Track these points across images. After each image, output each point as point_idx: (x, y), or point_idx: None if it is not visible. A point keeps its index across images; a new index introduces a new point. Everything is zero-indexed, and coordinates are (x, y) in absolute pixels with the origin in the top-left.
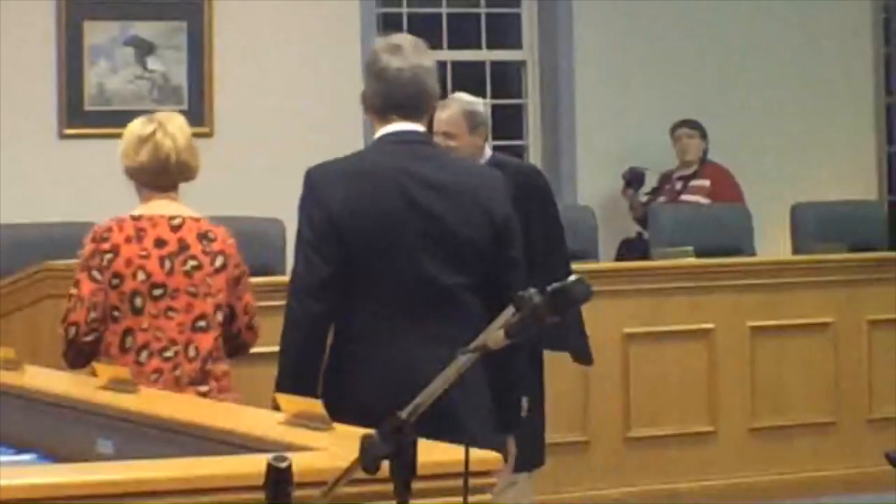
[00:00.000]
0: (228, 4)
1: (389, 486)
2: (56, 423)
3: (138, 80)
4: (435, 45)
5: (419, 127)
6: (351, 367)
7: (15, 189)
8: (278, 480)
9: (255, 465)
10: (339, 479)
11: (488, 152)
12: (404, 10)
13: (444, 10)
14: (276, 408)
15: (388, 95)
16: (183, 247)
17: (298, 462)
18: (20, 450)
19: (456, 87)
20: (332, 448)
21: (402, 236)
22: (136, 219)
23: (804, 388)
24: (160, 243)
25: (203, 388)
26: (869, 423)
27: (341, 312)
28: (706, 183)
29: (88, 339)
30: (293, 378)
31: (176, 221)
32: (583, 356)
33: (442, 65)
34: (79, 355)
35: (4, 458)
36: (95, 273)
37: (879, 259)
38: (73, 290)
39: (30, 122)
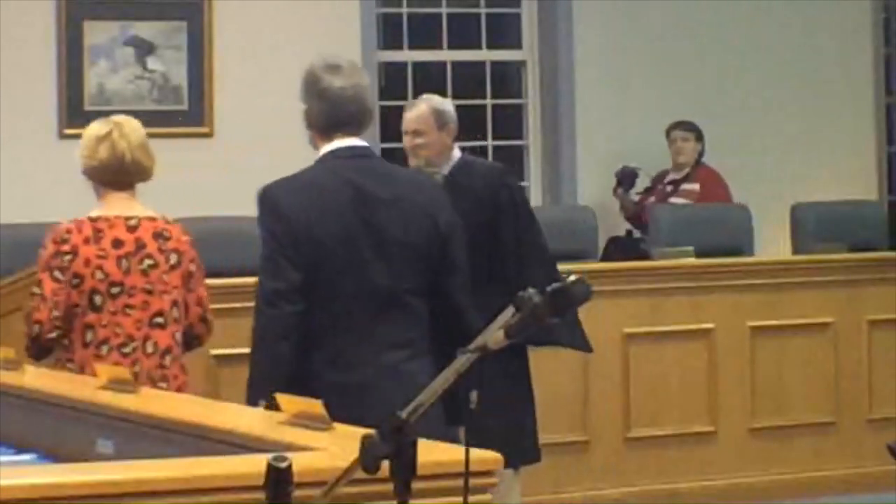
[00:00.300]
0: (228, 4)
1: (389, 486)
2: (56, 423)
3: (138, 80)
4: (435, 45)
5: (362, 142)
6: (309, 371)
7: (15, 189)
8: (278, 480)
9: (255, 465)
10: (339, 479)
11: (457, 152)
12: (404, 10)
13: (444, 10)
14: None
15: (333, 114)
16: (139, 246)
17: (298, 462)
18: (20, 450)
19: (456, 87)
20: (332, 448)
21: (353, 247)
22: (93, 220)
23: (804, 388)
24: (117, 244)
25: (162, 385)
26: (869, 423)
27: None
28: (696, 187)
29: (52, 335)
30: (269, 379)
31: (132, 222)
32: (581, 346)
33: (442, 65)
34: (41, 350)
35: (4, 458)
36: (57, 273)
37: (879, 259)
38: (36, 290)
39: (30, 121)
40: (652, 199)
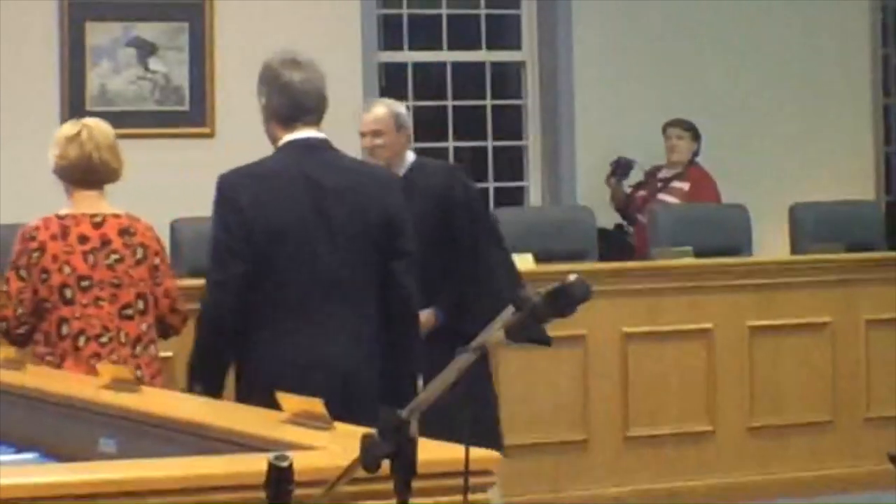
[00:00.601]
0: (230, 5)
1: (389, 486)
2: (58, 423)
3: (140, 80)
4: (435, 45)
5: (320, 133)
6: (259, 355)
7: (15, 189)
8: (279, 479)
9: (256, 464)
10: (339, 478)
11: (412, 155)
12: (404, 10)
13: (444, 11)
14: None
15: (295, 105)
16: (105, 242)
17: (299, 461)
18: (22, 449)
19: (456, 87)
20: (333, 447)
21: (305, 234)
22: (61, 218)
23: (802, 388)
24: (83, 240)
25: (137, 373)
26: (866, 423)
27: (252, 305)
28: (685, 186)
29: (20, 331)
30: (205, 367)
31: (97, 219)
32: (539, 340)
33: (442, 65)
34: (15, 342)
35: (6, 458)
36: (23, 272)
37: (877, 259)
38: (3, 288)
39: (31, 122)
40: (642, 192)
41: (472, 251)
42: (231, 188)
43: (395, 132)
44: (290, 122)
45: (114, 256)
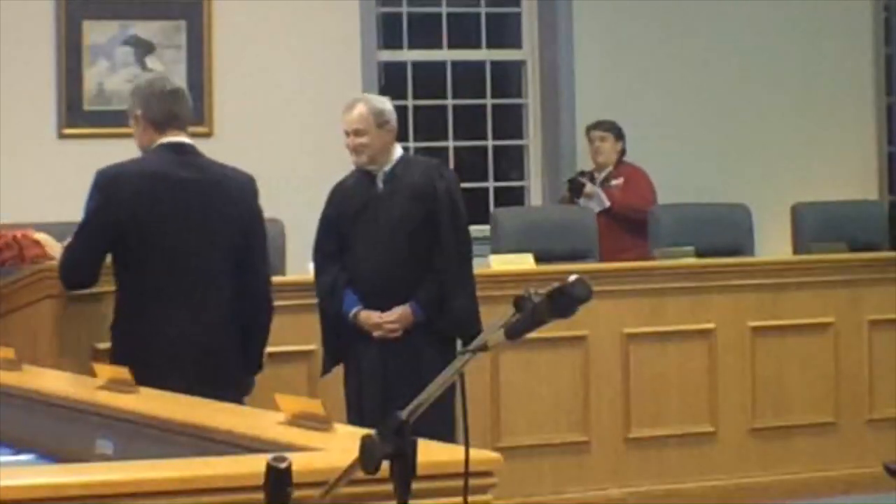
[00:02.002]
0: (228, 4)
1: (389, 486)
2: (55, 424)
3: (138, 79)
4: (435, 44)
5: (188, 139)
6: (129, 333)
7: (14, 189)
8: (278, 480)
9: (254, 465)
10: (338, 479)
11: (399, 151)
12: (404, 9)
13: (444, 10)
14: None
15: (170, 112)
16: None
17: (298, 462)
18: (19, 450)
19: (456, 87)
20: (332, 448)
21: (173, 228)
22: None
23: (804, 389)
24: None
25: None
26: (869, 424)
27: (122, 288)
28: (619, 183)
29: None
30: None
31: None
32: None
33: (442, 65)
34: None
35: (4, 459)
36: None
37: (880, 259)
38: None
39: (29, 121)
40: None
41: (457, 249)
42: (109, 182)
43: (376, 129)
44: (164, 126)
45: None
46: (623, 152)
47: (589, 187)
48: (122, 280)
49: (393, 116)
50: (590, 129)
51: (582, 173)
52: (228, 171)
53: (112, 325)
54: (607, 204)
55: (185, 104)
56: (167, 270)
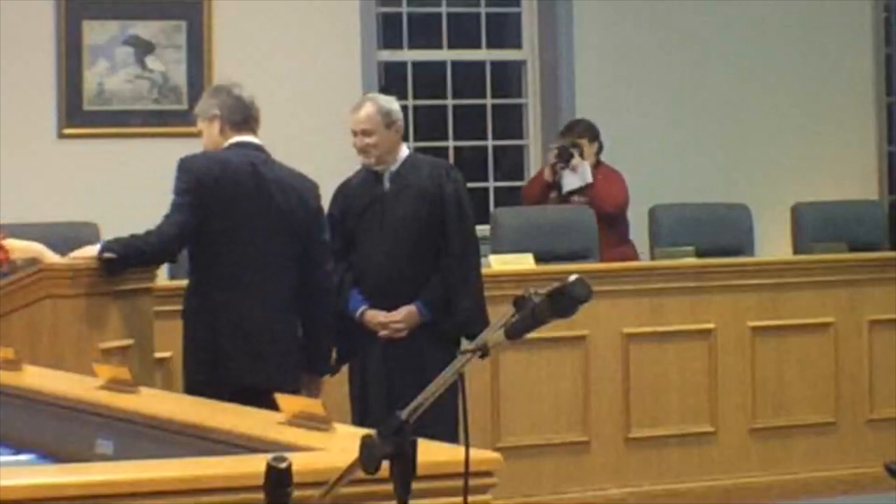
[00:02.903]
0: (228, 4)
1: (389, 486)
2: (56, 424)
3: (138, 79)
4: (435, 44)
5: (259, 141)
6: (198, 312)
7: (14, 189)
8: (278, 480)
9: (254, 465)
10: (338, 479)
11: (405, 150)
12: (404, 9)
13: (444, 10)
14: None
15: (249, 115)
16: None
17: (298, 462)
18: (20, 450)
19: (456, 87)
20: (332, 448)
21: (247, 218)
22: None
23: (804, 389)
24: None
25: None
26: (869, 424)
27: (195, 270)
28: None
29: None
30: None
31: None
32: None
33: (442, 65)
34: None
35: (4, 459)
36: None
37: (880, 259)
38: None
39: (29, 121)
40: (554, 193)
41: (462, 249)
42: (196, 168)
43: (384, 130)
44: (240, 126)
45: None
46: (598, 153)
47: (577, 159)
48: (196, 262)
49: (400, 116)
50: (563, 133)
51: (574, 144)
52: (295, 172)
53: (185, 303)
54: (590, 179)
55: (258, 111)
56: (238, 258)
